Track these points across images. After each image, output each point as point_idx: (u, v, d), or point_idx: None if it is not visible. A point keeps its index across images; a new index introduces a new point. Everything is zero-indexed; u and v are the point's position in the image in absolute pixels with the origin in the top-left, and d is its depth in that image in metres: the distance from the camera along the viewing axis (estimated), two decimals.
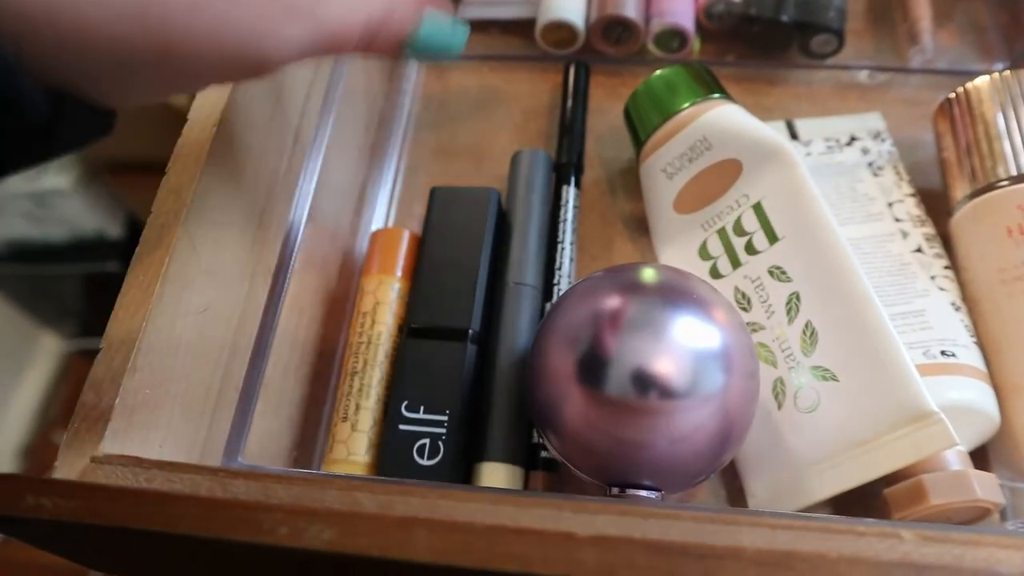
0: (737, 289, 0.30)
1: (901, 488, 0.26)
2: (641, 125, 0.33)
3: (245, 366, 0.26)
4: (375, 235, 0.33)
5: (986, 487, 0.25)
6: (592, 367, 0.24)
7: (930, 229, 0.32)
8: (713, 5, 0.39)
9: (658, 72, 0.33)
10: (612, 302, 0.25)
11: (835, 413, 0.27)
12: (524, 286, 0.31)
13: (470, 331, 0.29)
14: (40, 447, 1.03)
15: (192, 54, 0.17)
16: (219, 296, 0.27)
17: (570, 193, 0.34)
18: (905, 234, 0.32)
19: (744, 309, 0.30)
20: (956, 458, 0.26)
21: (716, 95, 0.32)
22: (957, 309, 0.29)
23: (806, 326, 0.28)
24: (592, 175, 0.37)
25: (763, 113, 0.34)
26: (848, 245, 0.28)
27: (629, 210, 0.36)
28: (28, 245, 1.00)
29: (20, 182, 0.89)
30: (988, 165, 0.30)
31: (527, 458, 0.29)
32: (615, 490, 0.25)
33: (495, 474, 0.27)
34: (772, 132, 0.31)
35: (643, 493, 0.25)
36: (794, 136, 0.36)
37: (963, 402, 0.27)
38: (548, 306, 0.31)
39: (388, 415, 0.28)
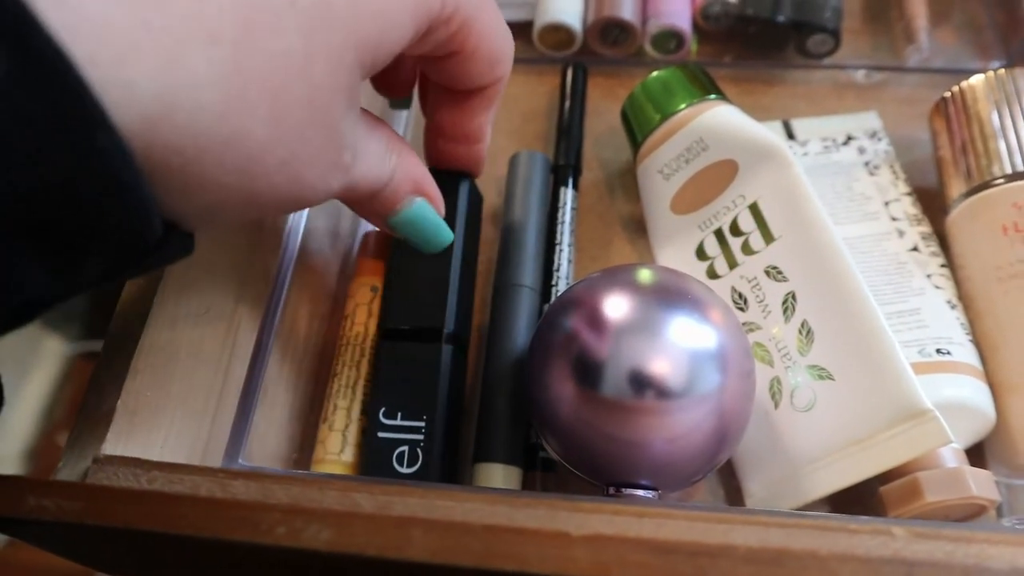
0: (734, 289, 0.31)
1: (897, 486, 0.26)
2: (638, 126, 0.34)
3: (246, 368, 0.26)
4: (366, 236, 0.33)
5: (981, 484, 0.25)
6: (589, 367, 0.24)
7: (926, 228, 0.32)
8: (709, 6, 0.39)
9: (654, 73, 0.34)
10: (608, 303, 0.25)
11: (831, 412, 0.27)
12: (522, 287, 0.31)
13: (444, 331, 0.27)
14: (46, 448, 1.03)
15: (268, 203, 0.20)
16: (219, 298, 0.27)
17: (568, 195, 0.34)
18: (901, 233, 0.32)
19: (741, 309, 0.30)
20: (952, 455, 0.27)
21: (712, 96, 0.32)
22: (953, 307, 0.30)
23: (802, 325, 0.28)
24: (590, 176, 0.37)
25: (760, 113, 0.34)
26: (843, 244, 0.28)
27: (627, 211, 0.36)
28: None
29: None
30: (983, 163, 0.30)
31: (525, 458, 0.29)
32: (612, 490, 0.25)
33: (493, 475, 0.28)
34: (767, 132, 0.31)
35: (640, 492, 0.25)
36: (791, 136, 0.36)
37: (958, 399, 0.27)
38: (546, 307, 0.31)
39: (368, 422, 0.27)
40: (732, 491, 0.29)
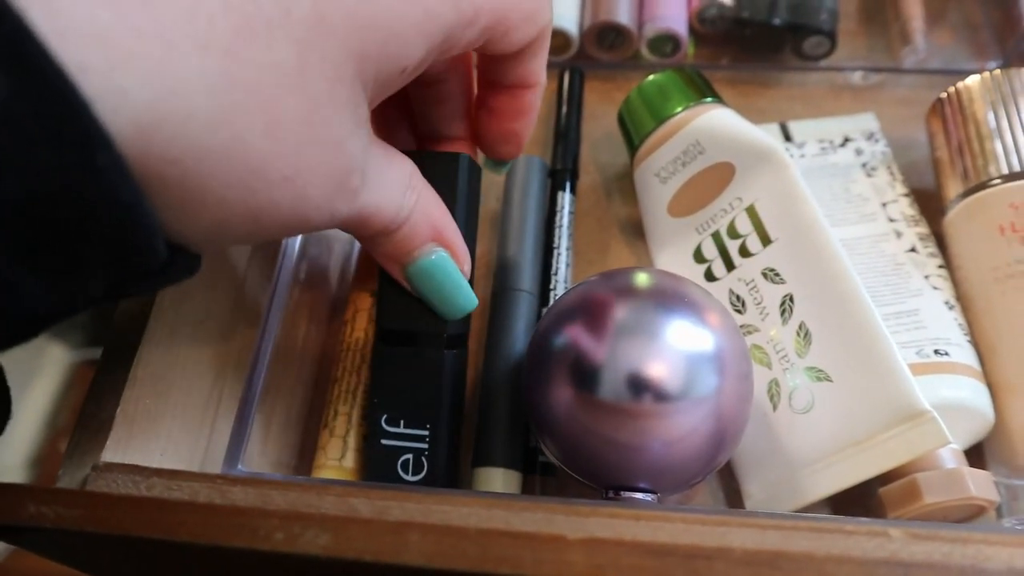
0: (732, 292, 0.31)
1: (895, 487, 0.26)
2: (635, 130, 0.34)
3: (244, 374, 0.26)
4: None
5: (980, 485, 0.25)
6: (586, 371, 0.24)
7: (924, 228, 0.32)
8: (705, 9, 0.39)
9: (651, 77, 0.34)
10: (606, 306, 0.25)
11: (829, 413, 0.27)
12: (520, 292, 0.31)
13: (445, 335, 0.26)
14: (50, 455, 1.03)
15: (272, 222, 0.19)
16: (218, 305, 0.27)
17: (565, 199, 0.35)
18: (899, 234, 0.32)
19: (738, 311, 0.30)
20: (950, 456, 0.27)
21: (708, 99, 0.32)
22: (951, 308, 0.30)
23: (800, 327, 0.28)
24: (588, 180, 0.37)
25: (757, 116, 0.34)
26: (840, 246, 0.28)
27: (625, 215, 0.36)
28: None
29: None
30: (980, 164, 0.30)
31: (525, 463, 0.29)
32: (612, 493, 0.25)
33: (493, 479, 0.28)
34: (764, 135, 0.31)
35: (640, 496, 0.25)
36: (788, 138, 0.36)
37: (956, 400, 0.27)
38: (544, 311, 0.32)
39: (370, 429, 0.27)
40: (732, 493, 0.29)
